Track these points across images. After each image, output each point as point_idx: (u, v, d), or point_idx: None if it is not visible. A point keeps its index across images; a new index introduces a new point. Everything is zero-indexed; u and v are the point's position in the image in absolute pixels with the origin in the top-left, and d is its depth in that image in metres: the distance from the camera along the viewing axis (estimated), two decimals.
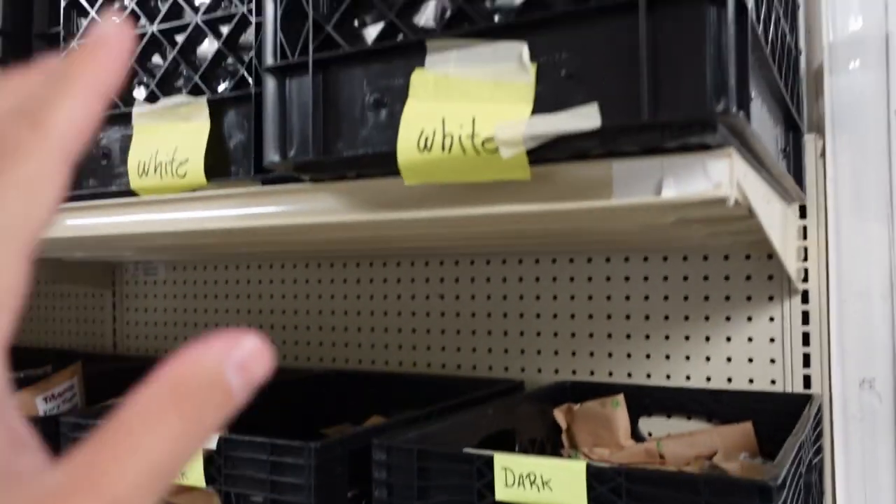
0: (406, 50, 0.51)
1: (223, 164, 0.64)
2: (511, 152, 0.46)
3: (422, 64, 0.50)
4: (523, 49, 0.46)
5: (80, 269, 1.42)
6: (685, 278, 0.95)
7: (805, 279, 0.87)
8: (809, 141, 0.85)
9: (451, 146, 0.48)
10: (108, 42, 0.20)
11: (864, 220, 0.85)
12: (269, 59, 0.56)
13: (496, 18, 0.50)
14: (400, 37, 0.52)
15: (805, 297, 0.88)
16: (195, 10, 0.68)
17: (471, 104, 0.48)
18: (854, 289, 0.86)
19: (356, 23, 0.55)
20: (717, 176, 0.43)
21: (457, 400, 0.88)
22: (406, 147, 0.49)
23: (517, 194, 0.50)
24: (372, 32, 0.54)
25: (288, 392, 1.09)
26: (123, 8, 0.74)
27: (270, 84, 0.56)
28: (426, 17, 0.53)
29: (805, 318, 0.88)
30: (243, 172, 0.63)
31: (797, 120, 0.75)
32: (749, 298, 0.91)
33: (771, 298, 0.90)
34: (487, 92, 0.48)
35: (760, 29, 0.51)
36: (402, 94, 0.51)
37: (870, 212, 0.85)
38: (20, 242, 0.18)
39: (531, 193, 0.49)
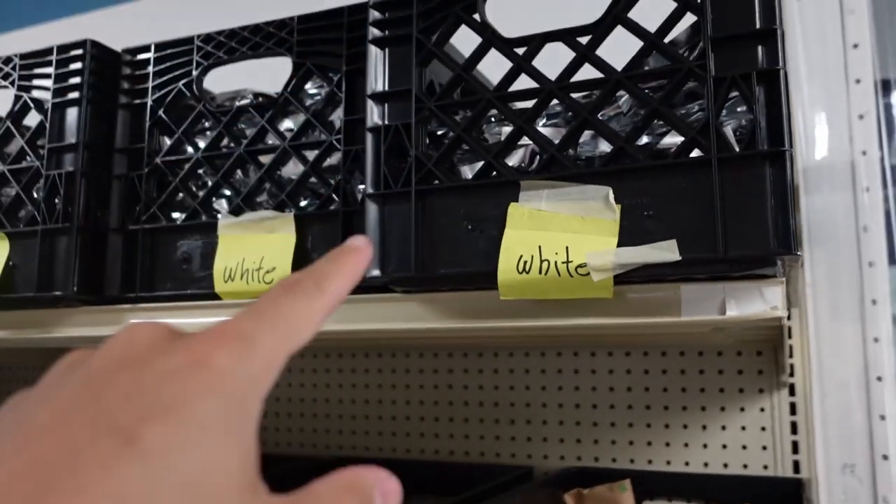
0: (502, 187, 0.60)
1: None
2: (601, 276, 0.56)
3: (515, 199, 0.60)
4: (609, 192, 0.57)
5: None
6: (682, 372, 1.05)
7: (791, 374, 0.98)
8: None
9: (547, 270, 0.57)
10: (361, 249, 0.28)
11: (840, 321, 0.98)
12: (370, 188, 0.65)
13: (579, 163, 0.60)
14: (494, 174, 0.62)
15: (792, 390, 0.99)
16: (279, 134, 0.76)
17: (563, 234, 0.58)
18: (834, 382, 0.97)
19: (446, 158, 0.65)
20: (773, 300, 0.54)
21: (481, 487, 0.95)
22: (506, 268, 0.58)
23: (597, 309, 0.59)
24: (467, 171, 0.64)
25: (297, 479, 1.14)
26: (205, 129, 0.82)
27: (372, 208, 0.65)
28: (517, 159, 0.63)
29: (792, 408, 0.99)
30: None
31: None
32: (741, 391, 1.02)
33: (761, 391, 1.01)
34: (577, 225, 0.58)
35: None
36: (496, 222, 0.60)
37: (845, 314, 0.97)
38: (286, 342, 0.25)
39: (610, 309, 0.58)
